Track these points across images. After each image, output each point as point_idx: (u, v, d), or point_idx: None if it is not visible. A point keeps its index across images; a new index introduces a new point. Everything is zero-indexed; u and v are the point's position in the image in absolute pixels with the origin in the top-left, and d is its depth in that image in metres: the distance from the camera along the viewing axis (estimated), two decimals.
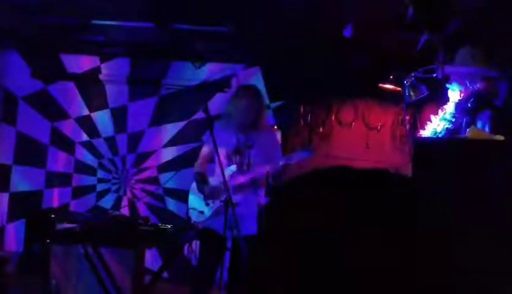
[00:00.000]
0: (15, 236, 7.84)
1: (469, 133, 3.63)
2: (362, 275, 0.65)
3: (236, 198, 4.81)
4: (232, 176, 4.91)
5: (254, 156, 5.04)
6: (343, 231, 0.67)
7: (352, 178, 0.72)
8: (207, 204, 5.04)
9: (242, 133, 5.04)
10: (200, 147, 5.49)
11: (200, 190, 5.08)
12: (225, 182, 4.59)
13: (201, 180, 5.08)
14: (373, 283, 0.65)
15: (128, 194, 7.96)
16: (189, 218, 5.28)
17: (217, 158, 4.70)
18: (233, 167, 4.99)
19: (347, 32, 5.45)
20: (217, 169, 4.98)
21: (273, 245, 0.72)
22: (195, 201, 5.15)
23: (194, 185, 5.19)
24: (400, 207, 0.69)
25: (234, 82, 7.62)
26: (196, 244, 5.41)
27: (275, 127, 7.41)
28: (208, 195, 5.03)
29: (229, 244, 5.09)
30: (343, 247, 0.66)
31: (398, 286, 0.65)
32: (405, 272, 0.65)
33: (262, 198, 5.07)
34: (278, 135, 7.25)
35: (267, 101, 7.64)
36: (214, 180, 5.06)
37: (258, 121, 5.06)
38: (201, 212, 5.06)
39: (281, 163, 5.00)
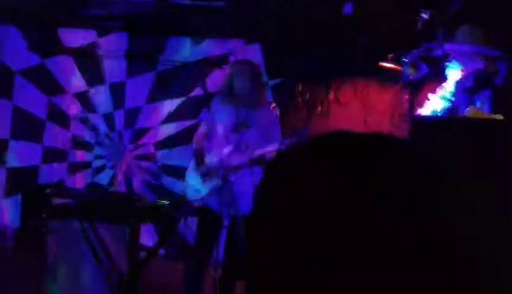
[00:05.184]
0: (11, 211, 7.82)
1: (468, 112, 3.61)
2: (365, 240, 0.62)
3: (233, 177, 4.77)
4: (229, 156, 4.85)
5: (252, 135, 4.97)
6: (344, 198, 0.64)
7: (351, 143, 0.69)
8: (203, 183, 5.00)
9: (240, 111, 4.96)
10: (198, 125, 5.44)
11: (197, 167, 5.04)
12: (223, 160, 4.56)
13: (200, 157, 5.04)
14: (375, 249, 0.62)
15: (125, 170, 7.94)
16: (186, 195, 5.26)
17: (215, 133, 4.66)
18: (229, 147, 4.92)
19: (347, 9, 5.39)
20: (214, 148, 4.94)
21: (271, 217, 0.69)
22: (191, 179, 5.12)
23: (191, 163, 5.15)
24: (401, 173, 0.66)
25: (232, 59, 7.57)
26: (192, 221, 5.40)
27: (274, 105, 7.36)
28: (204, 173, 4.99)
29: (226, 222, 5.06)
30: (343, 213, 0.63)
31: (400, 252, 0.62)
32: (408, 238, 0.63)
33: (259, 177, 4.99)
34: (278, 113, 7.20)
35: (265, 78, 7.60)
36: (210, 158, 5.01)
37: (255, 97, 4.97)
38: (197, 191, 5.03)
39: (276, 148, 4.87)
